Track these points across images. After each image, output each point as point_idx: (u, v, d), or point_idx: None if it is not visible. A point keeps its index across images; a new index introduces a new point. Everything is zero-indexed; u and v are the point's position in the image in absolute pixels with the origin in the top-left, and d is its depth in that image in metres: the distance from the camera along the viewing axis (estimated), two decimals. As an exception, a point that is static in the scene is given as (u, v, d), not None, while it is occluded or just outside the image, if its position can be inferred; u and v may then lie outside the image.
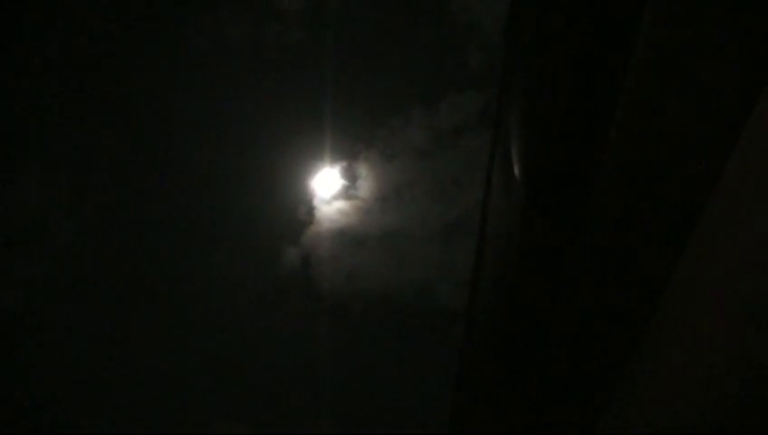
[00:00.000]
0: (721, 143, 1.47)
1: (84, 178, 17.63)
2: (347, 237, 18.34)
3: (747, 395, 1.43)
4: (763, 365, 1.39)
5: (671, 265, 1.66)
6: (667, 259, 1.65)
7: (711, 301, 1.56)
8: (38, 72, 16.37)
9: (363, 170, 18.10)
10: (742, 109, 1.40)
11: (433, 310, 18.38)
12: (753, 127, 1.39)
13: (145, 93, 17.34)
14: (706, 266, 1.58)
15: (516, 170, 1.81)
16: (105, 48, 16.69)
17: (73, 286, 18.16)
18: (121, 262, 18.47)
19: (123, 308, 18.63)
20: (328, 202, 18.16)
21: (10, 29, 15.72)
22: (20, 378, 18.10)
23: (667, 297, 1.72)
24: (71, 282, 18.10)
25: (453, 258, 18.17)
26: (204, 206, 18.56)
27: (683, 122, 1.51)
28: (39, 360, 18.14)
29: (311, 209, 18.22)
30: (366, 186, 18.15)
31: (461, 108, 17.64)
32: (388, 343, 19.06)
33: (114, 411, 18.58)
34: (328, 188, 18.09)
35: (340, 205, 18.17)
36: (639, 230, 1.68)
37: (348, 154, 17.95)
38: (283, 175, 18.24)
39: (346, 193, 18.13)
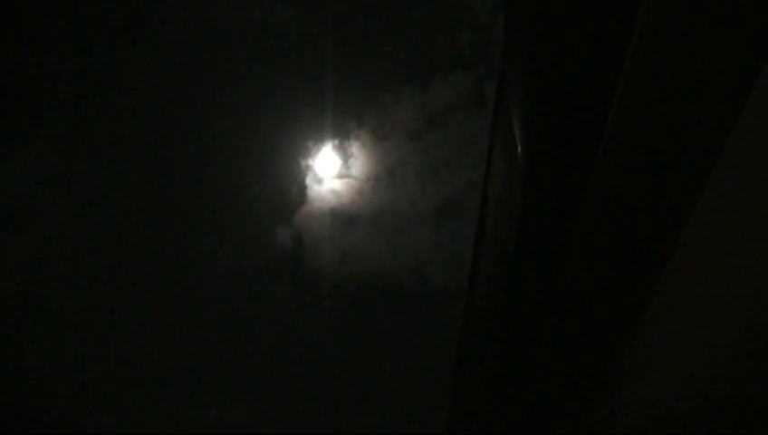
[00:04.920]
0: (721, 124, 1.48)
1: (75, 161, 17.52)
2: (339, 217, 18.35)
3: (748, 371, 1.46)
4: (763, 341, 1.42)
5: (671, 245, 1.67)
6: (668, 239, 1.67)
7: (711, 280, 1.58)
8: (28, 58, 16.18)
9: (355, 150, 18.06)
10: (742, 87, 1.41)
11: (426, 290, 18.47)
12: (750, 113, 1.40)
13: (134, 76, 17.19)
14: (706, 247, 1.60)
15: (518, 150, 1.82)
16: (93, 33, 16.51)
17: (65, 268, 18.11)
18: (113, 244, 18.42)
19: (115, 290, 18.60)
20: (320, 181, 18.14)
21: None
22: (11, 359, 18.09)
23: (667, 276, 1.74)
24: (62, 264, 18.05)
25: (445, 238, 18.23)
26: (194, 186, 18.49)
27: (684, 104, 1.52)
28: (30, 341, 18.12)
29: (303, 189, 18.19)
30: (358, 165, 18.13)
31: (452, 87, 17.60)
32: (382, 322, 19.15)
33: (107, 393, 18.62)
34: (320, 167, 18.06)
35: (333, 184, 18.15)
36: (640, 209, 1.69)
37: (340, 133, 17.89)
38: (273, 154, 18.18)
39: (338, 172, 18.10)
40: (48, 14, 15.90)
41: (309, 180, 18.24)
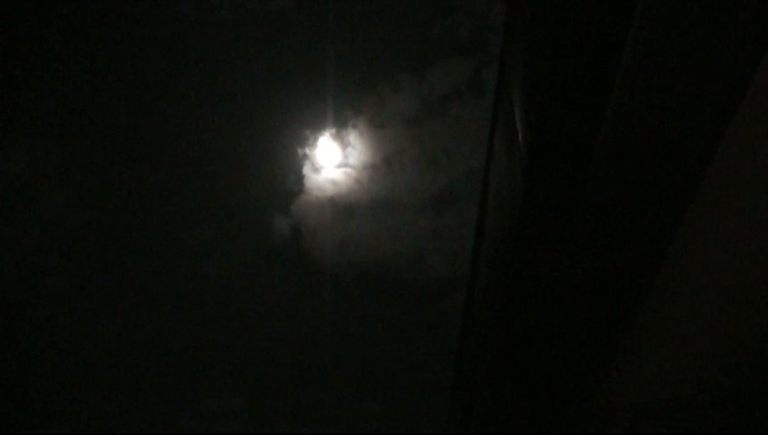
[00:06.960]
0: (719, 115, 1.49)
1: (73, 150, 17.48)
2: (337, 207, 18.36)
3: (746, 364, 1.47)
4: (761, 324, 1.42)
5: (672, 229, 1.68)
6: (668, 223, 1.67)
7: (709, 275, 1.59)
8: (25, 46, 16.11)
9: (352, 138, 18.04)
10: (739, 80, 1.42)
11: (425, 278, 18.52)
12: (746, 109, 1.41)
13: (132, 65, 17.13)
14: (705, 239, 1.60)
15: (519, 137, 1.82)
16: (91, 23, 16.43)
17: (63, 258, 18.12)
18: (111, 233, 18.43)
19: (113, 280, 18.63)
20: (318, 171, 18.13)
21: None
22: (8, 349, 18.12)
23: (667, 266, 1.75)
24: (60, 253, 18.05)
25: (444, 227, 18.26)
26: (192, 176, 18.48)
27: (683, 90, 1.52)
28: (29, 330, 18.15)
29: (300, 178, 18.18)
30: (355, 154, 18.11)
31: (450, 75, 17.55)
32: (381, 311, 19.20)
33: (105, 383, 18.68)
34: (318, 156, 18.05)
35: (331, 173, 18.14)
36: (640, 196, 1.69)
37: (337, 122, 17.87)
38: (270, 143, 18.16)
39: (336, 162, 18.10)
40: (46, 3, 15.82)
41: (307, 170, 18.23)
